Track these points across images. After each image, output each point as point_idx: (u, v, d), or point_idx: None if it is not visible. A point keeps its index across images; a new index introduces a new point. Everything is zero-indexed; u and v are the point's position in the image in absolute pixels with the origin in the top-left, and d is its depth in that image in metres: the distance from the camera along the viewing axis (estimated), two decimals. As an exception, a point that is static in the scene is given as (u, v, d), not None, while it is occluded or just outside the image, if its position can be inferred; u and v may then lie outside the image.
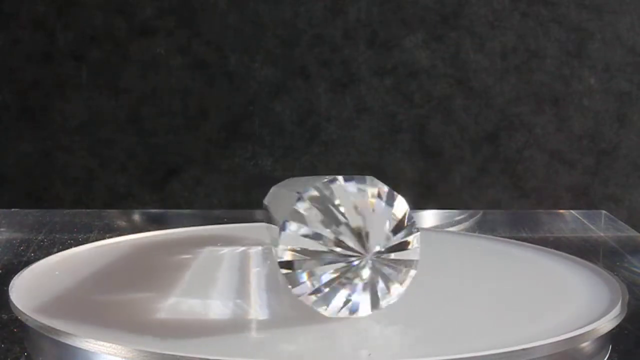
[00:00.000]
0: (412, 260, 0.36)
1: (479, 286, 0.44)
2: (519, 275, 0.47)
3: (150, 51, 0.84)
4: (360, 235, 0.36)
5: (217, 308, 0.39)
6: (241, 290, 0.42)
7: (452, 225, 0.69)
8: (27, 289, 0.40)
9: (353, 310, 0.36)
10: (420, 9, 0.84)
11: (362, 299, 0.36)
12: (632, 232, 0.63)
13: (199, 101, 0.85)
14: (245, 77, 0.84)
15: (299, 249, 0.35)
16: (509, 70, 0.84)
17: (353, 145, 0.85)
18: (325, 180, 0.36)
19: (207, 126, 0.85)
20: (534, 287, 0.44)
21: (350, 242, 0.35)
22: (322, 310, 0.36)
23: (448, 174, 0.86)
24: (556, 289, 0.44)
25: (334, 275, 0.36)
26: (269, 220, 0.44)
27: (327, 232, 0.35)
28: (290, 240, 0.36)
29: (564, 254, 0.49)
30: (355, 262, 0.36)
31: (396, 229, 0.36)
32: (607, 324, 0.37)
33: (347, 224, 0.36)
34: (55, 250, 0.54)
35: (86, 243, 0.50)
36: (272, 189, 0.48)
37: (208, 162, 0.85)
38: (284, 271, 0.36)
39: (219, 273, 0.45)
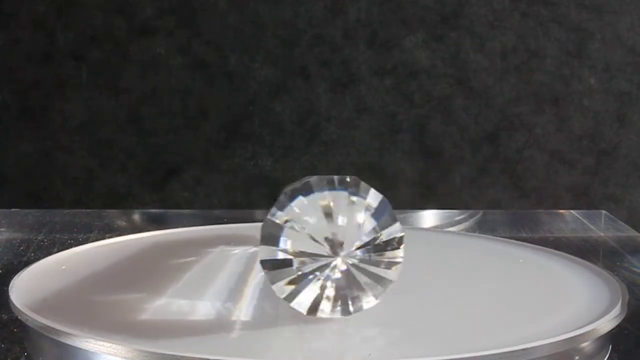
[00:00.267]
0: (384, 279, 0.36)
1: (479, 286, 0.44)
2: (519, 275, 0.47)
3: (150, 51, 0.84)
4: (333, 237, 0.36)
5: (218, 308, 0.39)
6: (241, 290, 0.42)
7: (452, 225, 0.69)
8: (27, 289, 0.40)
9: (327, 311, 0.36)
10: (420, 9, 0.84)
11: (334, 301, 0.36)
12: (632, 232, 0.63)
13: (199, 101, 0.85)
14: (245, 77, 0.84)
15: (277, 247, 0.36)
16: (509, 70, 0.84)
17: (353, 145, 0.85)
18: (308, 180, 0.36)
19: (207, 126, 0.85)
20: (534, 287, 0.44)
21: (322, 243, 0.36)
22: (300, 309, 0.36)
23: (448, 174, 0.86)
24: (556, 289, 0.44)
25: (308, 276, 0.36)
26: None
27: (302, 233, 0.36)
28: (269, 239, 0.36)
29: (564, 254, 0.49)
30: (326, 264, 0.36)
31: (373, 236, 0.36)
32: (607, 324, 0.37)
33: (323, 225, 0.36)
34: (55, 250, 0.54)
35: (86, 243, 0.50)
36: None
37: (208, 162, 0.85)
38: (265, 270, 0.36)
39: (220, 273, 0.45)
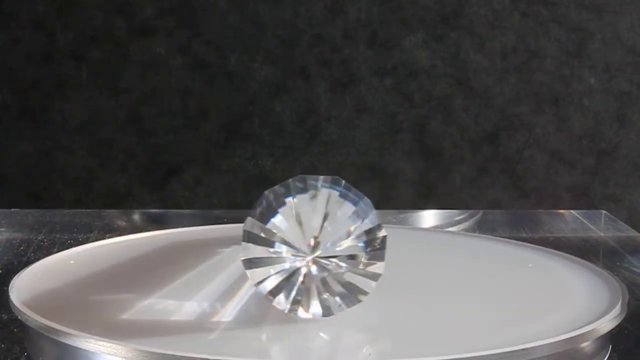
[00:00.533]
0: (363, 279, 0.36)
1: (479, 286, 0.44)
2: (518, 275, 0.47)
3: (150, 51, 0.84)
4: (308, 238, 0.36)
5: (218, 308, 0.39)
6: (241, 290, 0.42)
7: (452, 225, 0.69)
8: (27, 289, 0.40)
9: (308, 311, 0.36)
10: (420, 9, 0.84)
11: (313, 301, 0.36)
12: (632, 232, 0.63)
13: (199, 101, 0.85)
14: (245, 77, 0.84)
15: (256, 246, 0.36)
16: (509, 70, 0.84)
17: (353, 145, 0.85)
18: (290, 180, 0.36)
19: (207, 126, 0.85)
20: (534, 287, 0.44)
21: (295, 242, 0.36)
22: (281, 308, 0.36)
23: (448, 174, 0.86)
24: (556, 289, 0.44)
25: (285, 275, 0.36)
26: None
27: (280, 232, 0.36)
28: (249, 237, 0.36)
29: (564, 254, 0.49)
30: (301, 263, 0.36)
31: (350, 237, 0.36)
32: (607, 324, 0.37)
33: (299, 225, 0.36)
34: (55, 250, 0.54)
35: (86, 243, 0.50)
36: None
37: (208, 162, 0.85)
38: (245, 269, 0.36)
39: (220, 273, 0.45)
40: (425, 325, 0.38)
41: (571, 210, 0.72)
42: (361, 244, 0.36)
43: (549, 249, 0.50)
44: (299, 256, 0.36)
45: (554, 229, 0.66)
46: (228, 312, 0.39)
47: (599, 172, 0.85)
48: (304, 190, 0.36)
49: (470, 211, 0.73)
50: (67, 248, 0.49)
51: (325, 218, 0.36)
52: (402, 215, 0.70)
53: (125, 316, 0.38)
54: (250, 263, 0.36)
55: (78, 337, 0.34)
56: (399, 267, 0.48)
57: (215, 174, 0.85)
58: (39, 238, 0.59)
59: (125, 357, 0.33)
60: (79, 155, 0.85)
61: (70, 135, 0.84)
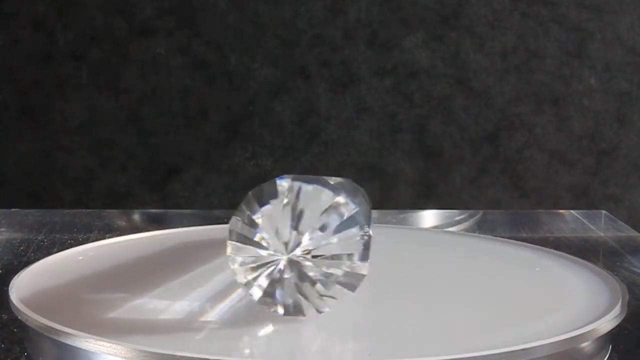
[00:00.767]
0: (338, 278, 0.36)
1: (479, 286, 0.44)
2: (519, 275, 0.47)
3: (150, 51, 0.84)
4: (286, 236, 0.36)
5: (217, 308, 0.39)
6: (242, 290, 0.42)
7: (452, 225, 0.69)
8: (27, 289, 0.40)
9: (288, 310, 0.36)
10: (420, 9, 0.84)
11: (284, 300, 0.36)
12: (632, 232, 0.63)
13: (199, 101, 0.85)
14: (245, 77, 0.84)
15: (239, 244, 0.36)
16: (509, 70, 0.84)
17: (353, 145, 0.85)
18: (277, 178, 0.36)
19: (207, 126, 0.85)
20: (534, 287, 0.44)
21: (273, 241, 0.36)
22: (265, 306, 0.36)
23: (448, 174, 0.86)
24: (556, 289, 0.44)
25: (263, 274, 0.36)
26: None
27: (261, 230, 0.36)
28: (233, 236, 0.36)
29: (564, 254, 0.49)
30: (273, 261, 0.36)
31: (329, 237, 0.36)
32: (607, 324, 0.37)
33: (278, 224, 0.36)
34: (55, 250, 0.54)
35: (86, 243, 0.50)
36: None
37: (208, 162, 0.85)
38: (230, 266, 0.36)
39: (220, 273, 0.45)
40: (425, 325, 0.38)
41: (571, 210, 0.72)
42: (341, 244, 0.36)
43: (549, 249, 0.50)
44: (277, 255, 0.36)
45: (554, 229, 0.66)
46: (229, 312, 0.39)
47: (599, 172, 0.85)
48: (289, 189, 0.36)
49: (470, 211, 0.73)
50: (67, 248, 0.49)
51: (302, 217, 0.36)
52: (402, 215, 0.70)
53: (125, 316, 0.38)
54: (234, 262, 0.36)
55: (78, 337, 0.34)
56: (399, 267, 0.48)
57: (215, 174, 0.85)
58: (39, 238, 0.59)
59: (125, 357, 0.33)
60: (79, 155, 0.85)
61: (70, 135, 0.84)
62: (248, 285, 0.36)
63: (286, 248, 0.36)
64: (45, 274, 0.44)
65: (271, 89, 0.85)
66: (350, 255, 0.36)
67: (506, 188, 0.86)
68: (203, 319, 0.38)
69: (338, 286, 0.36)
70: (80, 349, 0.34)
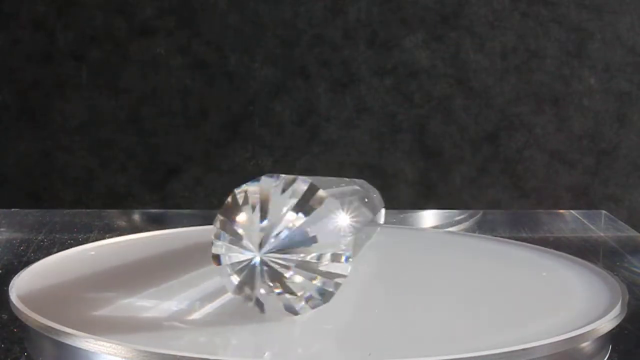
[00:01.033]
0: (312, 277, 0.36)
1: (479, 286, 0.44)
2: (518, 275, 0.47)
3: (150, 51, 0.84)
4: (258, 235, 0.36)
5: (217, 308, 0.39)
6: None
7: (452, 225, 0.69)
8: (27, 289, 0.40)
9: (260, 309, 0.36)
10: (420, 9, 0.84)
11: (263, 299, 0.36)
12: (632, 232, 0.63)
13: (199, 101, 0.85)
14: (245, 77, 0.84)
15: (221, 243, 0.36)
16: (509, 70, 0.84)
17: (353, 145, 0.85)
18: (260, 177, 0.36)
19: (207, 126, 0.85)
20: (534, 287, 0.44)
21: (248, 239, 0.36)
22: (249, 305, 0.36)
23: (448, 174, 0.86)
24: (556, 289, 0.44)
25: (240, 272, 0.36)
26: None
27: (237, 229, 0.36)
28: (216, 234, 0.36)
29: (564, 254, 0.49)
30: (246, 259, 0.36)
31: (303, 237, 0.36)
32: (607, 324, 0.37)
33: (252, 223, 0.36)
34: (55, 250, 0.54)
35: (86, 243, 0.50)
36: None
37: (208, 162, 0.85)
38: (215, 265, 0.36)
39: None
40: (425, 325, 0.38)
41: (571, 210, 0.72)
42: (318, 245, 0.35)
43: (549, 249, 0.50)
44: (249, 253, 0.36)
45: (554, 229, 0.66)
46: (229, 312, 0.39)
47: (599, 172, 0.85)
48: (272, 188, 0.36)
49: (470, 211, 0.73)
50: (67, 248, 0.49)
51: (279, 216, 0.36)
52: (402, 215, 0.70)
53: (125, 316, 0.38)
54: (217, 260, 0.36)
55: (78, 337, 0.34)
56: (399, 267, 0.48)
57: (215, 174, 0.85)
58: (39, 238, 0.59)
59: (125, 357, 0.33)
60: (79, 155, 0.85)
61: (70, 135, 0.84)
62: (228, 283, 0.36)
63: (256, 247, 0.36)
64: (45, 274, 0.44)
65: (271, 89, 0.85)
66: (331, 255, 0.36)
67: (506, 188, 0.86)
68: (204, 318, 0.38)
69: (316, 286, 0.36)
70: (80, 349, 0.34)
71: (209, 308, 0.39)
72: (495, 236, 0.59)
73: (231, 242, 0.36)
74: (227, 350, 0.35)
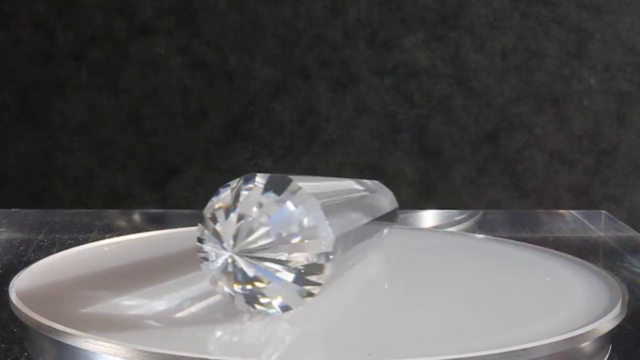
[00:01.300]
0: (285, 276, 0.36)
1: (479, 286, 0.44)
2: (518, 275, 0.47)
3: (150, 51, 0.84)
4: (232, 232, 0.36)
5: (217, 308, 0.39)
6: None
7: (452, 225, 0.69)
8: (27, 289, 0.40)
9: (250, 308, 0.37)
10: (420, 9, 0.84)
11: (235, 296, 0.36)
12: (632, 232, 0.63)
13: (199, 101, 0.85)
14: (245, 77, 0.84)
15: (205, 243, 0.37)
16: (509, 70, 0.84)
17: (353, 145, 0.85)
18: (242, 177, 0.37)
19: (207, 126, 0.85)
20: (534, 287, 0.44)
21: (222, 238, 0.36)
22: (237, 303, 0.37)
23: (448, 174, 0.86)
24: (556, 289, 0.44)
25: (218, 271, 0.36)
26: None
27: (216, 226, 0.36)
28: (200, 233, 0.37)
29: (563, 254, 0.49)
30: (220, 257, 0.36)
31: (278, 238, 0.36)
32: (607, 324, 0.37)
33: (228, 221, 0.36)
34: (55, 250, 0.54)
35: (86, 243, 0.50)
36: None
37: (208, 162, 0.85)
38: (201, 264, 0.37)
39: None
40: (425, 325, 0.38)
41: (571, 210, 0.72)
42: (289, 242, 0.35)
43: (549, 249, 0.50)
44: (224, 252, 0.36)
45: (554, 229, 0.66)
46: (229, 312, 0.39)
47: (599, 172, 0.85)
48: (253, 185, 0.36)
49: (470, 211, 0.73)
50: (67, 248, 0.49)
51: (249, 216, 0.36)
52: (402, 215, 0.70)
53: (125, 316, 0.38)
54: (202, 259, 0.37)
55: (78, 337, 0.34)
56: (399, 267, 0.48)
57: (215, 174, 0.85)
58: (39, 238, 0.59)
59: (125, 357, 0.33)
60: (79, 155, 0.85)
61: (70, 135, 0.84)
62: (212, 282, 0.37)
63: (230, 246, 0.36)
64: (45, 274, 0.44)
65: (271, 89, 0.85)
66: (310, 255, 0.36)
67: (506, 188, 0.86)
68: (204, 318, 0.38)
69: (294, 285, 0.36)
70: (80, 349, 0.34)
71: (210, 308, 0.39)
72: (495, 236, 0.59)
73: (209, 240, 0.36)
74: (228, 350, 0.35)
